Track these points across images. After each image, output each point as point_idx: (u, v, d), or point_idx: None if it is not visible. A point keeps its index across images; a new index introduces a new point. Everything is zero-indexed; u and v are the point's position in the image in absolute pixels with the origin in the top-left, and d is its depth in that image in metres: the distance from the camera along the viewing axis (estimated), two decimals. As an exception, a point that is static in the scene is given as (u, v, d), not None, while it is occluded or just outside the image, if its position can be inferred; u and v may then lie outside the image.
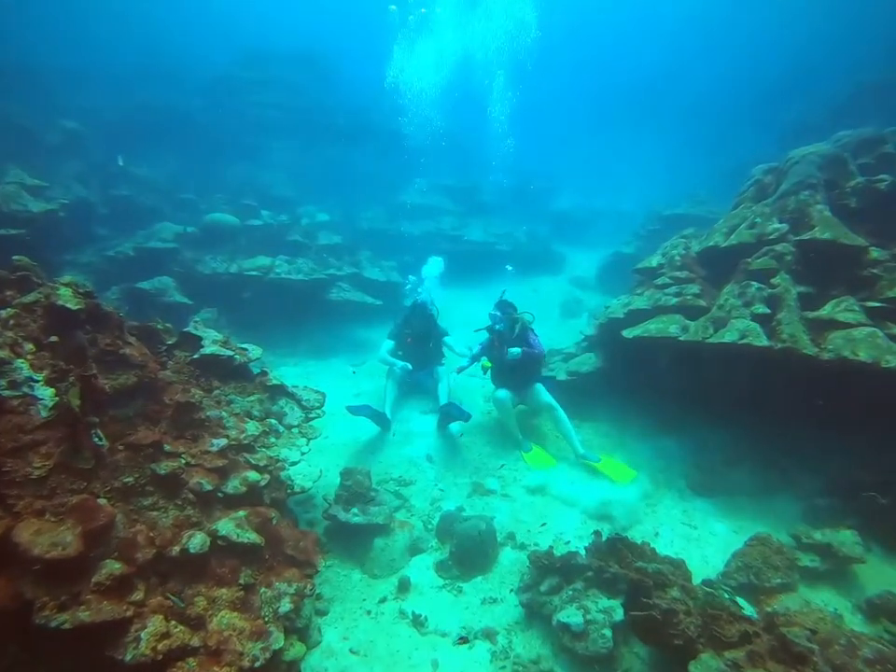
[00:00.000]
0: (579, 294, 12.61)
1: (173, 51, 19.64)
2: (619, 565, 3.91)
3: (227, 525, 3.27)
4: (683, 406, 5.96)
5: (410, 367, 6.95)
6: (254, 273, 9.89)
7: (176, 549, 3.04)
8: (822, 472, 5.11)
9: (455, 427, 6.59)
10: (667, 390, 6.05)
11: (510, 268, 11.23)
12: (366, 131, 17.40)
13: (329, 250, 11.27)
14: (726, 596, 3.76)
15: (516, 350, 6.13)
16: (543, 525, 5.12)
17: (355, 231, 13.98)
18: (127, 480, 3.19)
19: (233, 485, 3.70)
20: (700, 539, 4.85)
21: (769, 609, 3.27)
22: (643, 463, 5.77)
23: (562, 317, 11.68)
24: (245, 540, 3.24)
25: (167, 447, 3.47)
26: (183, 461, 3.47)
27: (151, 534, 3.05)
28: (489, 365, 6.63)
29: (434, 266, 8.41)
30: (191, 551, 3.03)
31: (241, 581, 3.15)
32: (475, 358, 6.79)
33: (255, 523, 3.41)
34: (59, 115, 13.52)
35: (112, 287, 9.66)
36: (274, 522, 3.64)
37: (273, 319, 9.73)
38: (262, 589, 3.21)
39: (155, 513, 3.20)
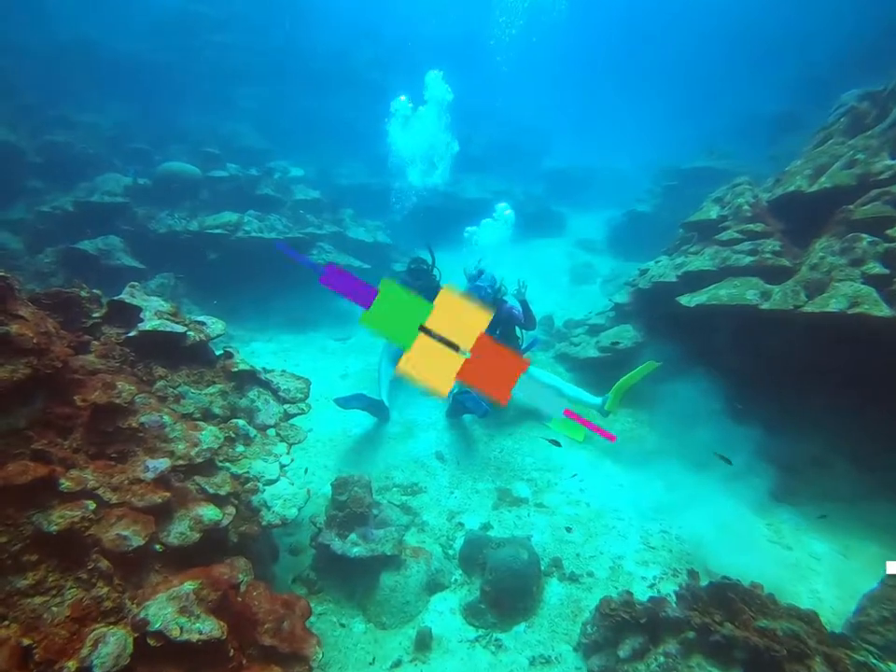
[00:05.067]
0: (588, 258, 11.35)
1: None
2: (732, 622, 2.82)
3: (164, 612, 2.02)
4: (753, 390, 4.83)
5: None
6: (218, 231, 8.34)
7: (72, 665, 1.80)
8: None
9: (468, 417, 5.42)
10: (732, 370, 4.92)
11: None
12: (343, 77, 15.64)
13: (307, 206, 9.73)
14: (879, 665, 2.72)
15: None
16: (574, 475, 4.72)
17: (332, 187, 12.42)
18: (-12, 548, 1.91)
19: (179, 532, 2.45)
20: (800, 565, 3.76)
21: None
22: (704, 463, 4.63)
23: (572, 284, 10.42)
24: (195, 637, 2.00)
25: (65, 483, 2.17)
26: (92, 506, 2.18)
27: (27, 641, 1.80)
28: None
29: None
30: (98, 669, 1.78)
31: (187, 709, 1.93)
32: None
33: (211, 600, 2.15)
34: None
35: (46, 249, 8.10)
36: (243, 588, 2.41)
37: (241, 287, 8.29)
38: (223, 716, 1.99)
39: (38, 601, 1.93)
